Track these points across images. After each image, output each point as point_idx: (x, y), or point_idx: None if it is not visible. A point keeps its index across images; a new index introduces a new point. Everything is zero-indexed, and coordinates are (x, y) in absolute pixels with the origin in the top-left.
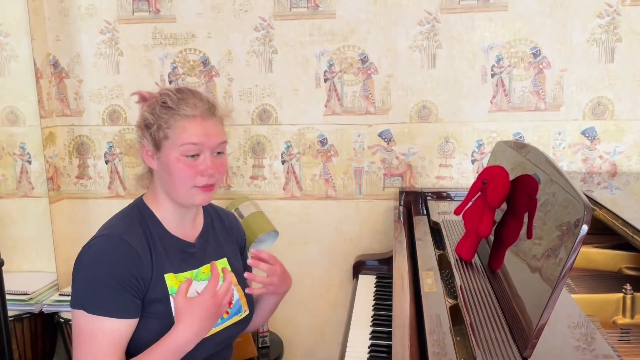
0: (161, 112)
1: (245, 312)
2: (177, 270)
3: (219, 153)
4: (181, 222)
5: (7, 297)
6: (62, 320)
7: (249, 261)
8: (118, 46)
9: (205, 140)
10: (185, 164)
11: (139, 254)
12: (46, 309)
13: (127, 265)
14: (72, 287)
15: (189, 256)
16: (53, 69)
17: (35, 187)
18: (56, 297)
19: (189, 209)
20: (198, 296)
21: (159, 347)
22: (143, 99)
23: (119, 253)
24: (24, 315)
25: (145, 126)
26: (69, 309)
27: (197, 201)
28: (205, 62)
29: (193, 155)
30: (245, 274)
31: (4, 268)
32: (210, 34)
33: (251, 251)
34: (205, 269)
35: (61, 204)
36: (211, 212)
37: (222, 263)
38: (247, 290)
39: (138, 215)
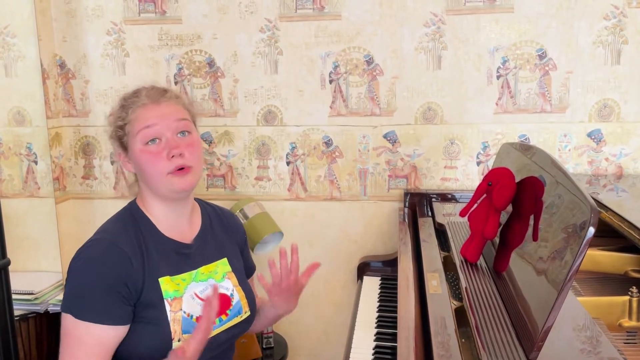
0: (118, 112)
1: (246, 313)
2: (174, 272)
3: (185, 133)
4: (175, 223)
5: (13, 296)
6: None
7: (269, 261)
8: (124, 47)
9: (159, 120)
10: (149, 152)
11: (130, 258)
12: (52, 309)
13: (117, 270)
14: (64, 291)
15: (185, 257)
16: (60, 69)
17: (41, 187)
18: (61, 297)
19: (180, 205)
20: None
21: None
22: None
23: (109, 258)
24: (30, 315)
25: (110, 132)
26: None
27: (176, 187)
28: (210, 63)
29: (155, 141)
30: (258, 276)
31: (9, 268)
32: (216, 35)
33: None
34: (204, 269)
35: (67, 204)
36: (209, 212)
37: (223, 263)
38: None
39: (131, 218)
